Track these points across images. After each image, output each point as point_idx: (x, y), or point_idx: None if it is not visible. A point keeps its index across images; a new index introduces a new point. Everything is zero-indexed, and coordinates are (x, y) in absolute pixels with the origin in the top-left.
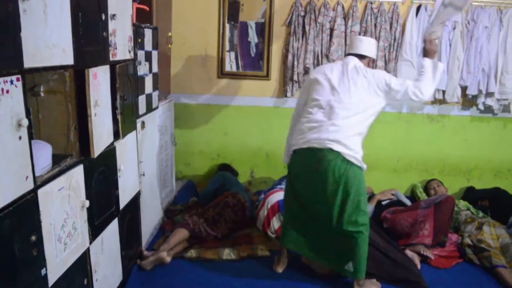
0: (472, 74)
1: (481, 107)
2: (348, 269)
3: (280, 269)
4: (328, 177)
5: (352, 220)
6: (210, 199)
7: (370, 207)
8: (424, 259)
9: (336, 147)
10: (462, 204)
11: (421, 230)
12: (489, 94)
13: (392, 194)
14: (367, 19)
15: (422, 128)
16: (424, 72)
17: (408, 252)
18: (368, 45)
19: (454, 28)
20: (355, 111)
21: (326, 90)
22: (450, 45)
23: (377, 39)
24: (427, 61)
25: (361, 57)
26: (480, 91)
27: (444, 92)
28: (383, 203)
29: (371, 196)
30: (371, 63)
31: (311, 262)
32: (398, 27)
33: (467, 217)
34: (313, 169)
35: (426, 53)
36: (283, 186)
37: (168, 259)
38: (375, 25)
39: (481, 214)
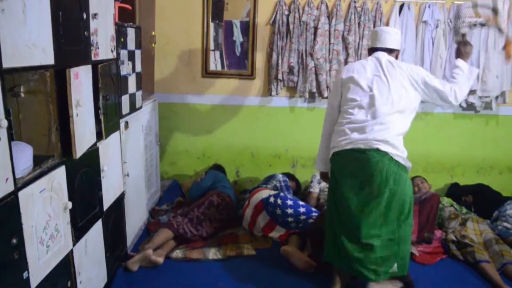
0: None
1: (463, 104)
2: (393, 271)
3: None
4: (376, 178)
5: (395, 223)
6: (200, 197)
7: None
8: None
9: (383, 147)
10: (446, 200)
11: None
12: (471, 92)
13: None
14: (350, 18)
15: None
16: (460, 75)
17: None
18: (396, 37)
19: (436, 27)
20: (397, 108)
21: (363, 89)
22: (433, 43)
23: (361, 37)
24: (463, 64)
25: (389, 51)
26: None
27: None
28: None
29: None
30: (399, 55)
31: (291, 255)
32: (381, 26)
33: (451, 213)
34: (359, 170)
35: (460, 54)
36: (269, 186)
37: (160, 259)
38: (359, 23)
39: (464, 210)
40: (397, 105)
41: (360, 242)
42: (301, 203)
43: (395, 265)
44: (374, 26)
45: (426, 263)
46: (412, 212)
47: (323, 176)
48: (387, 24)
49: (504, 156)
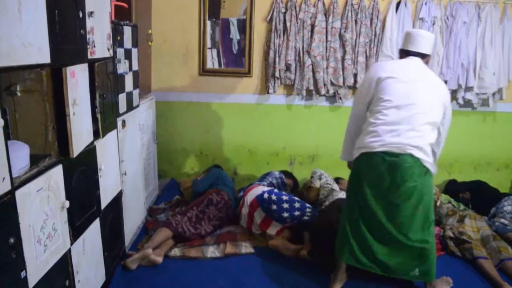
0: (452, 69)
1: (460, 101)
2: (414, 274)
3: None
4: (406, 183)
5: (420, 230)
6: (202, 193)
7: None
8: None
9: (417, 153)
10: (444, 197)
11: None
12: (468, 89)
13: None
14: (347, 15)
15: None
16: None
17: None
18: (430, 42)
19: (433, 24)
20: (432, 117)
21: (402, 91)
22: None
23: (358, 35)
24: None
25: (422, 56)
26: (459, 86)
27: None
28: None
29: None
30: (429, 61)
31: (277, 246)
32: (378, 23)
33: (449, 210)
34: (390, 174)
35: None
36: (265, 183)
37: (159, 259)
38: (356, 21)
39: (462, 207)
40: (430, 115)
41: (382, 245)
42: (296, 198)
43: (417, 270)
44: (371, 24)
45: None
46: (434, 219)
47: (350, 165)
48: (383, 21)
49: (501, 152)
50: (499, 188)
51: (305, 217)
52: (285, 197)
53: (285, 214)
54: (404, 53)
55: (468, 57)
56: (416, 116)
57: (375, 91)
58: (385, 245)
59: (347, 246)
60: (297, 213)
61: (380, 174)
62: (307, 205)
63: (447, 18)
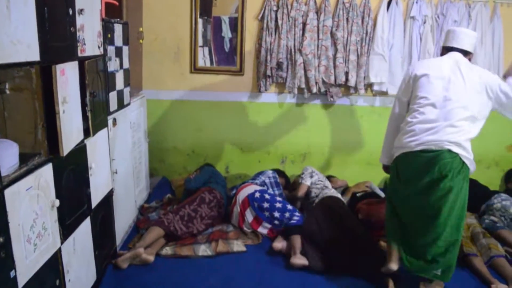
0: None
1: None
2: (436, 274)
3: (395, 266)
4: (446, 179)
5: (456, 224)
6: (194, 191)
7: (345, 199)
8: None
9: (455, 149)
10: None
11: None
12: None
13: (367, 186)
14: (339, 14)
15: None
16: None
17: (382, 243)
18: (472, 40)
19: (424, 22)
20: (471, 111)
21: (438, 88)
22: (420, 38)
23: (349, 33)
24: None
25: (465, 53)
26: None
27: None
28: (358, 195)
29: (345, 189)
30: (471, 59)
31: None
32: (369, 21)
33: None
34: (429, 171)
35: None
36: (257, 182)
37: (151, 258)
38: (347, 19)
39: None
40: (471, 108)
41: (419, 244)
42: (287, 202)
43: (440, 270)
44: (363, 22)
45: None
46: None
47: (386, 168)
48: (375, 19)
49: (491, 150)
50: (489, 185)
51: (293, 221)
52: (278, 198)
53: (276, 214)
54: (446, 50)
55: None
56: (453, 111)
57: (413, 89)
58: (419, 242)
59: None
60: (287, 214)
61: (418, 170)
62: (295, 209)
63: (438, 16)
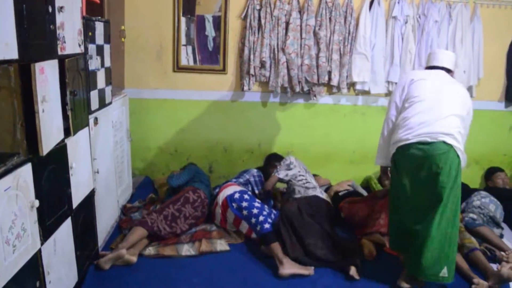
0: (423, 67)
1: None
2: (443, 276)
3: (405, 285)
4: (442, 170)
5: (451, 217)
6: (177, 190)
7: (327, 198)
8: (380, 247)
9: (449, 140)
10: None
11: (377, 219)
12: None
13: (349, 185)
14: (322, 13)
15: (377, 120)
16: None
17: (365, 242)
18: (452, 59)
19: (406, 22)
20: (458, 110)
21: (431, 89)
22: (402, 38)
23: (332, 33)
24: None
25: (447, 71)
26: None
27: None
28: (340, 193)
29: (328, 188)
30: (453, 76)
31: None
32: (352, 21)
33: None
34: (425, 163)
35: None
36: (241, 180)
37: (134, 258)
38: (330, 19)
39: None
40: (457, 109)
41: (418, 237)
42: (264, 206)
43: (445, 268)
44: (345, 22)
45: (395, 253)
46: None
47: (383, 171)
48: (357, 19)
49: (471, 149)
50: (469, 183)
51: (266, 225)
52: (257, 202)
53: (255, 211)
54: (429, 69)
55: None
56: (444, 107)
57: (408, 91)
58: (417, 243)
59: (399, 238)
60: (261, 218)
61: (417, 162)
62: (274, 211)
63: (419, 16)
